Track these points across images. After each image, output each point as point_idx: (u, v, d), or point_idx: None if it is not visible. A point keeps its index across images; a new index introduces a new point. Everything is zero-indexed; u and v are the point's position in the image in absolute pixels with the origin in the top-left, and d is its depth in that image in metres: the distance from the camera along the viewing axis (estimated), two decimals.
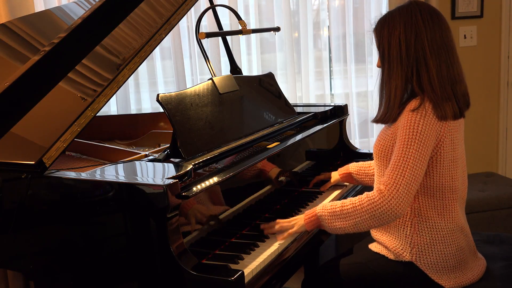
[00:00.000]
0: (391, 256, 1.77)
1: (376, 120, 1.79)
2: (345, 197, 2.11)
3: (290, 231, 1.76)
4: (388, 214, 1.60)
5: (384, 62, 1.73)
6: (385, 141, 1.74)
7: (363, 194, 1.67)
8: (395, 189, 1.59)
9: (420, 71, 1.67)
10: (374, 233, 1.84)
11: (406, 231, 1.72)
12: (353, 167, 2.19)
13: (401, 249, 1.73)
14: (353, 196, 1.72)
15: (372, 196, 1.63)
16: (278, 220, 1.80)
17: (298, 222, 1.77)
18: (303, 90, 3.38)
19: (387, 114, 1.72)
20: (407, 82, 1.70)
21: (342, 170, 2.22)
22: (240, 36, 3.06)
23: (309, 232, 1.84)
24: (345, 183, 2.28)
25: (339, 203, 1.70)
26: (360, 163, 2.19)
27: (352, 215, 1.65)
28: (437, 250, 1.71)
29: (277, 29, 2.68)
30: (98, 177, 1.63)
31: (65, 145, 1.68)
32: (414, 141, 1.61)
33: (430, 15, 1.68)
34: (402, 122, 1.65)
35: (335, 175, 2.23)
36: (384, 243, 1.78)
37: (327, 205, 1.72)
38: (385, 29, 1.71)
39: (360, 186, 2.30)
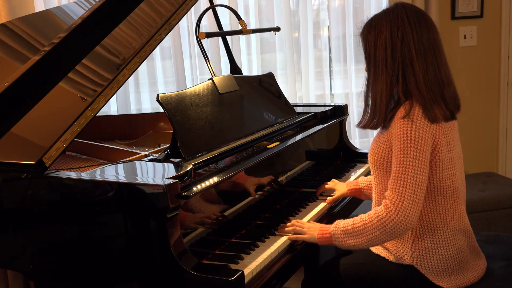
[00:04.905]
0: (391, 258, 1.76)
1: (363, 126, 1.77)
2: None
3: (300, 237, 1.76)
4: (398, 228, 1.59)
5: (370, 66, 1.71)
6: (379, 149, 1.72)
7: (372, 210, 1.67)
8: (400, 202, 1.58)
9: (406, 74, 1.65)
10: None
11: (408, 235, 1.72)
12: (363, 182, 2.11)
13: (402, 252, 1.73)
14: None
15: (380, 212, 1.62)
16: (294, 221, 1.81)
17: (311, 232, 1.75)
18: (303, 90, 3.38)
19: (374, 120, 1.71)
20: (393, 87, 1.67)
21: (351, 184, 2.13)
22: (240, 36, 3.06)
23: None
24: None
25: (350, 221, 1.69)
26: (369, 177, 2.10)
27: (363, 233, 1.65)
28: (438, 253, 1.70)
29: (277, 29, 2.68)
30: (98, 177, 1.63)
31: (65, 145, 1.67)
32: (410, 149, 1.59)
33: (416, 18, 1.66)
34: (395, 130, 1.63)
35: (342, 188, 2.14)
36: (385, 245, 1.78)
37: (340, 224, 1.71)
38: (371, 32, 1.69)
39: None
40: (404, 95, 1.65)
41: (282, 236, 1.78)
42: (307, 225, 1.78)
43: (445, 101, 1.66)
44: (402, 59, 1.64)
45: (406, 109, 1.62)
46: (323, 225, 1.77)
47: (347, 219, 1.72)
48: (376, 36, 1.67)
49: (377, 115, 1.69)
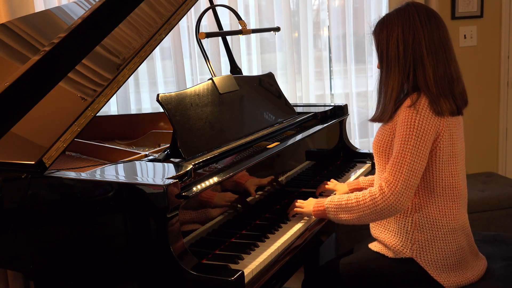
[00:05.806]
0: (391, 255, 1.78)
1: (373, 119, 1.84)
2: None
3: (299, 210, 1.91)
4: (388, 210, 1.66)
5: (383, 63, 1.77)
6: (383, 136, 1.78)
7: (367, 189, 1.74)
8: (394, 185, 1.64)
9: (416, 71, 1.71)
10: (374, 232, 1.85)
11: (407, 227, 1.74)
12: (364, 181, 2.14)
13: (402, 246, 1.75)
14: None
15: (373, 192, 1.69)
16: (297, 201, 1.95)
17: (308, 207, 1.88)
18: (303, 90, 3.38)
19: (383, 113, 1.77)
20: (403, 82, 1.74)
21: (353, 184, 2.16)
22: (240, 36, 3.06)
23: (311, 230, 1.87)
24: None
25: (345, 196, 1.78)
26: (370, 177, 2.15)
27: (355, 209, 1.73)
28: (438, 247, 1.72)
29: (277, 29, 2.68)
30: (98, 177, 1.63)
31: (65, 145, 1.68)
32: (411, 137, 1.65)
33: (427, 16, 1.72)
34: (400, 118, 1.69)
35: (343, 189, 2.16)
36: (385, 242, 1.79)
37: (335, 198, 1.81)
38: (383, 31, 1.75)
39: None
40: (413, 90, 1.72)
41: (280, 237, 1.78)
42: (305, 202, 1.93)
43: (453, 97, 1.72)
44: (413, 56, 1.70)
45: (413, 100, 1.68)
46: (319, 199, 1.90)
47: (342, 195, 1.81)
48: (388, 34, 1.73)
49: (386, 109, 1.76)
